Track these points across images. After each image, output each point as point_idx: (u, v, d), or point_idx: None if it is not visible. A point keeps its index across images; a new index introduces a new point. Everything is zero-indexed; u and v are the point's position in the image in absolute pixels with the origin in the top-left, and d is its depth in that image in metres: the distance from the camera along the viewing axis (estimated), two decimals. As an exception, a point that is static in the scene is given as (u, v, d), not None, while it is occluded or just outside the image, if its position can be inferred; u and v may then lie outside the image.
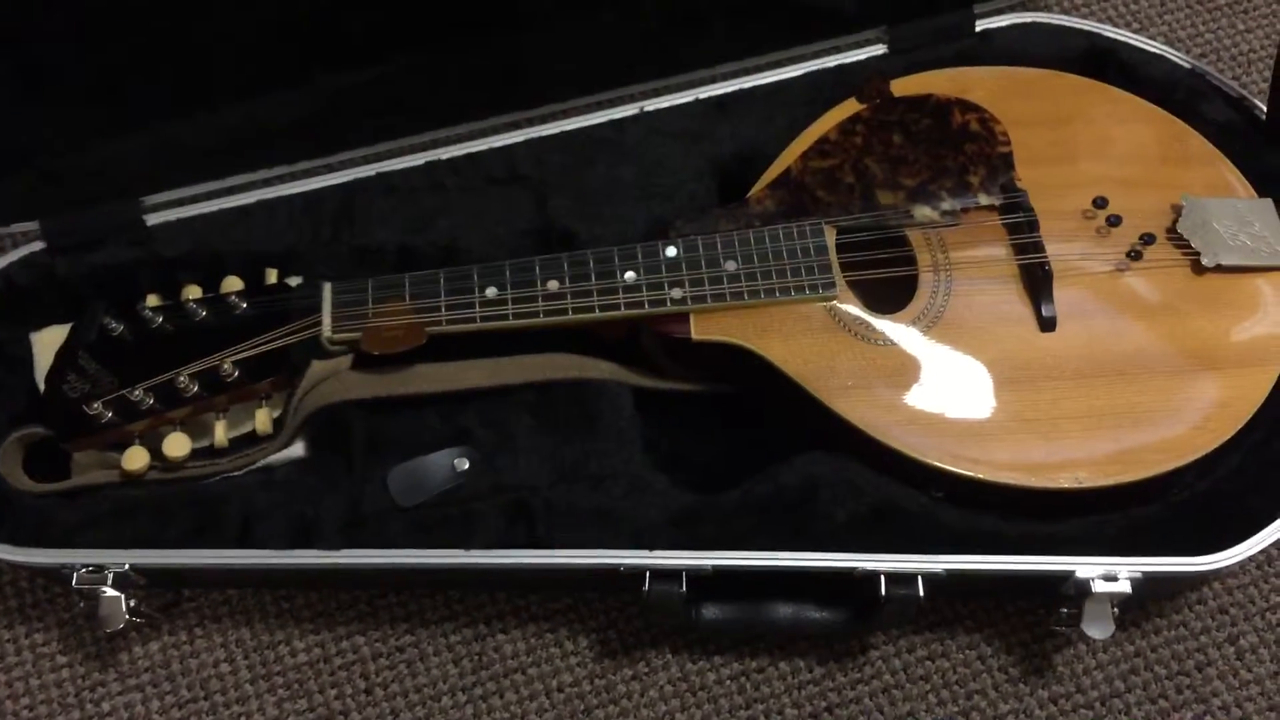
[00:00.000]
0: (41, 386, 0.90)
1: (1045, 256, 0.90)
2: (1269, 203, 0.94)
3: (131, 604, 0.89)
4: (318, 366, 0.92)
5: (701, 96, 1.03)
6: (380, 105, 0.99)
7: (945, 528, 0.88)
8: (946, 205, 0.93)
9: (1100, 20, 1.23)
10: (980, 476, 0.85)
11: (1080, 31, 1.05)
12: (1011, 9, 1.06)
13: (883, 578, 0.86)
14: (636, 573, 0.87)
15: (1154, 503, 0.90)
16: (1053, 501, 0.87)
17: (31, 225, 0.97)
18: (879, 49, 1.05)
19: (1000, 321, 0.89)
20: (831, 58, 1.05)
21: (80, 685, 0.97)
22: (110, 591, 0.87)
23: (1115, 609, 0.87)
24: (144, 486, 0.90)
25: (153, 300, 0.91)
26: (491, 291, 0.90)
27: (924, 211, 0.93)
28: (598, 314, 0.89)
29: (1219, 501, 0.90)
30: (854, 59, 1.05)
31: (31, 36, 0.87)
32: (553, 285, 0.90)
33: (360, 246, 0.99)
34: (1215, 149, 0.97)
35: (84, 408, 0.86)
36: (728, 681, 0.98)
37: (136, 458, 0.88)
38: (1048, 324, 0.89)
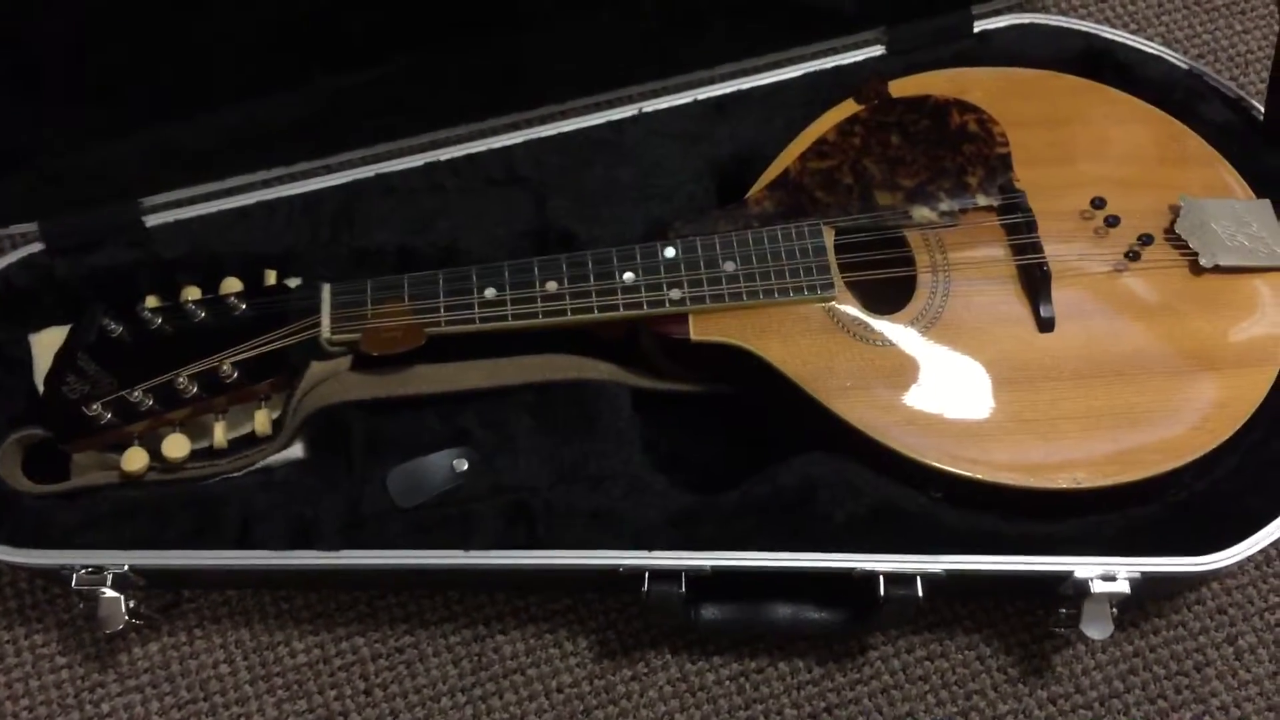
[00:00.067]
0: (41, 388, 0.90)
1: (1043, 257, 0.90)
2: (1267, 203, 0.95)
3: (131, 605, 0.89)
4: (317, 367, 0.92)
5: (700, 97, 1.03)
6: (380, 106, 1.00)
7: (944, 528, 0.89)
8: (945, 206, 0.93)
9: (1098, 21, 1.23)
10: (979, 477, 0.85)
11: (1078, 32, 1.05)
12: (1009, 10, 1.07)
13: (881, 578, 0.86)
14: (636, 573, 0.87)
15: (1152, 503, 0.90)
16: (1051, 502, 0.87)
17: (30, 226, 0.97)
18: (877, 50, 1.05)
19: (999, 322, 0.90)
20: (830, 59, 1.05)
21: (80, 686, 0.97)
22: (110, 592, 0.87)
23: (1114, 609, 0.87)
24: (143, 488, 0.90)
25: (152, 301, 0.91)
26: (490, 292, 0.90)
27: (922, 212, 0.93)
28: (596, 315, 0.89)
29: (1217, 502, 0.90)
30: (852, 60, 1.05)
31: (31, 36, 0.87)
32: (551, 286, 0.90)
33: (359, 248, 0.99)
34: (1213, 150, 0.97)
35: (83, 409, 0.86)
36: (727, 682, 0.98)
37: (136, 459, 0.88)
38: (1046, 324, 0.89)
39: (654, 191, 0.99)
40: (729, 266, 0.90)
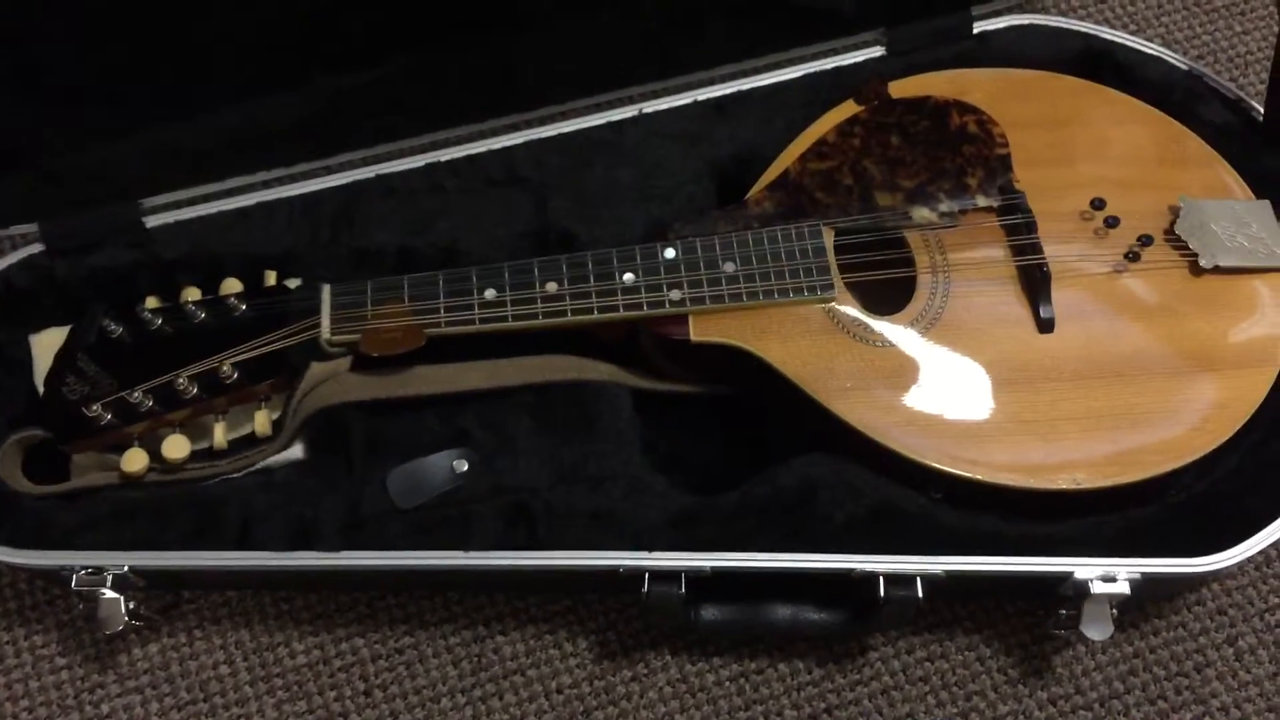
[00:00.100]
0: (41, 389, 0.90)
1: (1043, 258, 0.90)
2: (1266, 204, 0.95)
3: (131, 606, 0.89)
4: (317, 368, 0.92)
5: (700, 98, 1.03)
6: (380, 107, 1.00)
7: (944, 529, 0.89)
8: (945, 207, 0.93)
9: (1098, 22, 1.23)
10: (979, 478, 0.85)
11: (1077, 33, 1.06)
12: (1009, 11, 1.07)
13: (881, 579, 0.86)
14: (635, 574, 0.87)
15: (1152, 504, 0.90)
16: (1051, 503, 0.87)
17: (30, 227, 0.97)
18: (877, 51, 1.05)
19: (998, 323, 0.90)
20: (829, 60, 1.05)
21: (79, 687, 0.97)
22: (109, 593, 0.87)
23: (1114, 610, 0.87)
24: (143, 488, 0.90)
25: (152, 302, 0.91)
26: (490, 293, 0.90)
27: (922, 213, 0.93)
28: (596, 315, 0.90)
29: (1217, 502, 0.90)
30: (852, 61, 1.05)
31: (31, 36, 0.87)
32: (551, 287, 0.90)
33: (359, 248, 0.99)
34: (1213, 150, 0.97)
35: (83, 410, 0.86)
36: (727, 683, 0.98)
37: (136, 459, 0.88)
38: (1046, 325, 0.89)
39: (654, 192, 0.99)
40: (729, 267, 0.90)
